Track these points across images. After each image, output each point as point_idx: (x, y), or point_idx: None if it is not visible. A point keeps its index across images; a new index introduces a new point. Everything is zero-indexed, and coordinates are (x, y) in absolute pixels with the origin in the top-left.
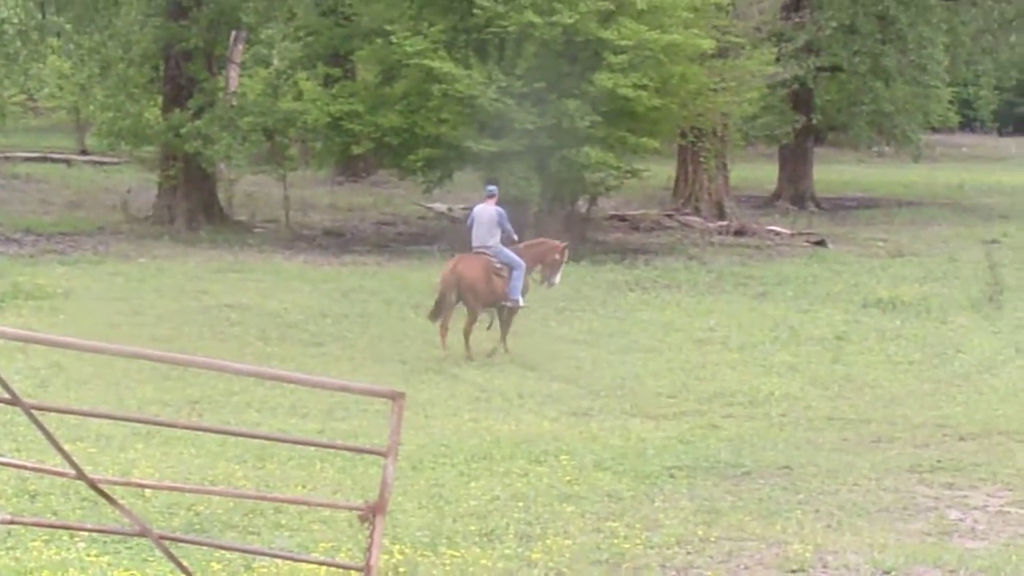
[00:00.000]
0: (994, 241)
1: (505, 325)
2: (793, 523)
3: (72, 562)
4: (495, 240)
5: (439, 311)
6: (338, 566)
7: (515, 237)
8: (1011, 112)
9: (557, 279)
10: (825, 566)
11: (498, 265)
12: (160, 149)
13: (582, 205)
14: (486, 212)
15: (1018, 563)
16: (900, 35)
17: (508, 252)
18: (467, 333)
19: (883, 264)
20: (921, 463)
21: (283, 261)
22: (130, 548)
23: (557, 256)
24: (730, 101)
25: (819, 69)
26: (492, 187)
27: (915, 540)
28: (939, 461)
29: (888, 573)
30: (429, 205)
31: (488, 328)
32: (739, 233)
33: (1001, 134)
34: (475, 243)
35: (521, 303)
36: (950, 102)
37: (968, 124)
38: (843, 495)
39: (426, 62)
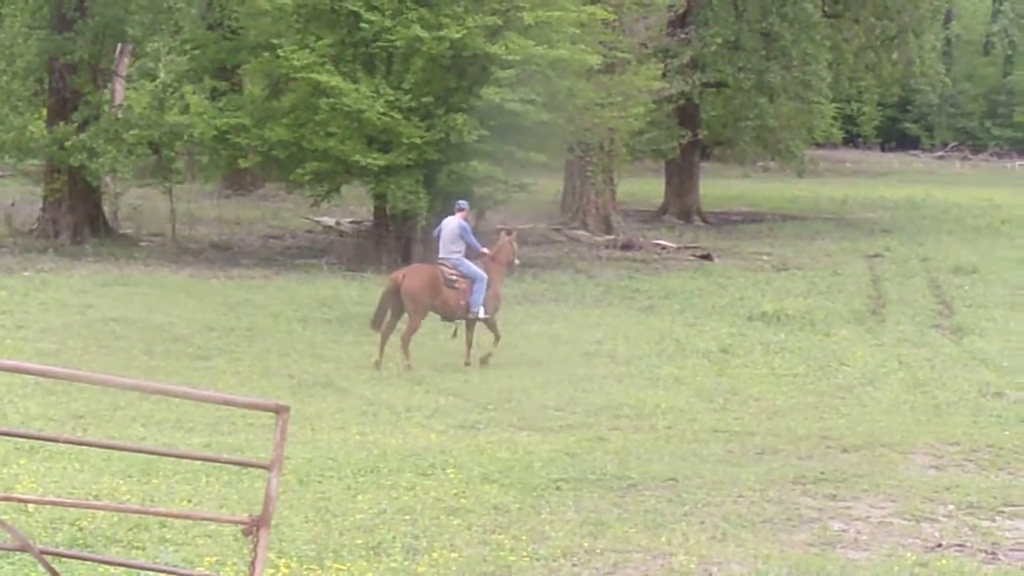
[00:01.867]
0: (877, 255)
1: (469, 334)
2: (678, 535)
3: None
4: (458, 252)
5: (378, 318)
6: None
7: (483, 249)
8: (893, 128)
9: (516, 262)
10: None
11: (452, 276)
12: (45, 162)
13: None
14: (450, 225)
15: (900, 573)
16: (784, 52)
17: (469, 264)
18: (405, 341)
19: (768, 278)
20: (805, 475)
21: (169, 275)
22: (12, 564)
23: (513, 246)
24: (617, 116)
25: (705, 85)
26: (462, 202)
27: (799, 551)
28: (822, 473)
29: None
30: (317, 219)
31: (453, 337)
32: (626, 247)
33: (884, 149)
34: (439, 254)
35: (481, 315)
36: (834, 118)
37: (851, 140)
38: (728, 507)
39: (313, 76)
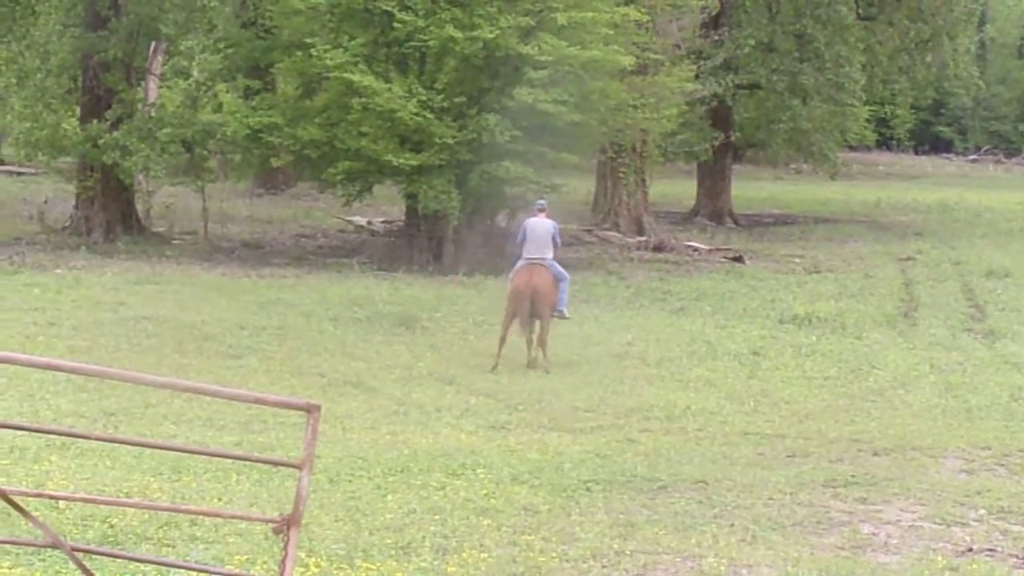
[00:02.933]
0: (909, 258)
1: (544, 334)
2: (708, 537)
3: None
4: (550, 253)
5: (512, 322)
6: None
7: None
8: (927, 131)
9: None
10: None
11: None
12: (78, 160)
13: (502, 219)
14: (542, 226)
15: None
16: (817, 54)
17: (558, 265)
18: (543, 343)
19: (799, 280)
20: (835, 478)
21: (201, 273)
22: (43, 560)
23: None
24: (649, 118)
25: (737, 87)
26: (542, 202)
27: (829, 554)
28: (853, 476)
29: None
30: (348, 218)
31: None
32: (657, 249)
33: (917, 153)
34: (529, 255)
35: (567, 314)
36: (867, 120)
37: (885, 142)
38: (758, 509)
39: (346, 75)
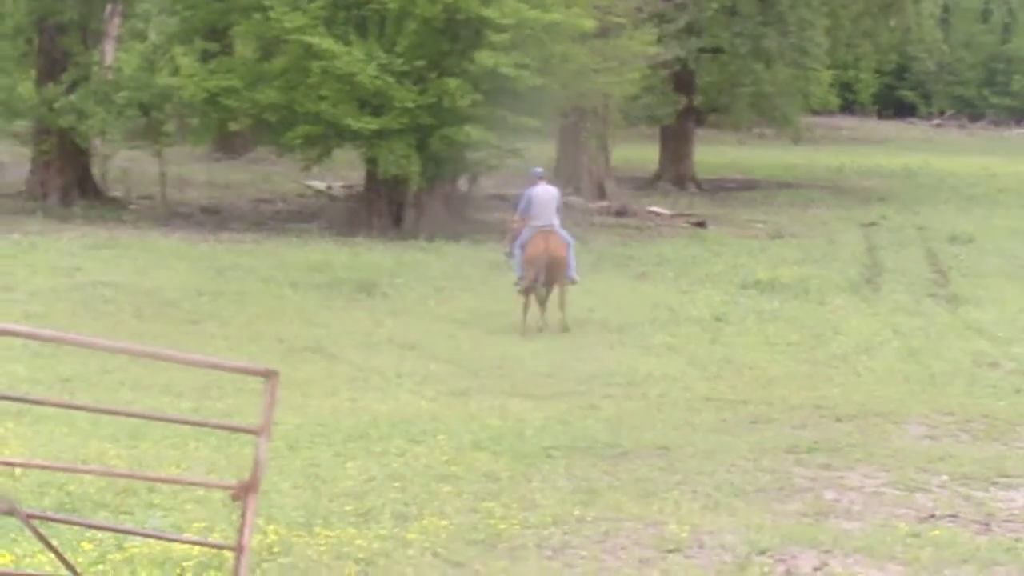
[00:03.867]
0: (873, 224)
1: (564, 295)
2: (670, 503)
3: None
4: (558, 220)
5: (532, 287)
6: (211, 546)
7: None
8: (890, 95)
9: None
10: (701, 546)
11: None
12: (33, 123)
13: (463, 184)
14: (548, 193)
15: (893, 544)
16: (781, 17)
17: (564, 232)
18: (563, 305)
19: (762, 246)
20: (798, 444)
21: (159, 238)
22: None
23: None
24: (611, 82)
25: (700, 50)
26: (540, 170)
27: (791, 520)
28: (816, 442)
29: (764, 553)
30: (308, 183)
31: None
32: (620, 214)
33: (881, 117)
34: (539, 222)
35: (576, 279)
36: (830, 85)
37: (848, 107)
38: (720, 475)
39: (305, 38)
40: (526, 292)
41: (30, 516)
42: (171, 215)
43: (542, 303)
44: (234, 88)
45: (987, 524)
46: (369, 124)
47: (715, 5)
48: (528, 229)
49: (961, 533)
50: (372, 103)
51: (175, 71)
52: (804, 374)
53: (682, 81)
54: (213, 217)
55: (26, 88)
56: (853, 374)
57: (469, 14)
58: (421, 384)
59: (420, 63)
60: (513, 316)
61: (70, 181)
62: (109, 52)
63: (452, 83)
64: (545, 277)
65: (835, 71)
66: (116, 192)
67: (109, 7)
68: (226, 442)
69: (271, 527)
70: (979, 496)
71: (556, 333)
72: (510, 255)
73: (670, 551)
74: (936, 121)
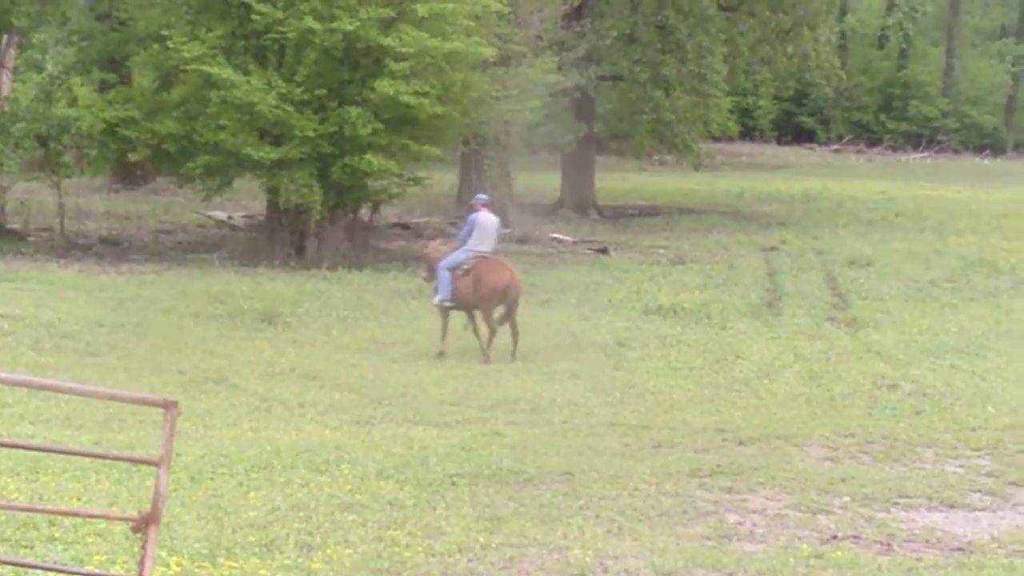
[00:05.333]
0: (773, 248)
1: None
2: (574, 528)
3: None
4: (497, 247)
5: (498, 316)
6: None
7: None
8: (789, 121)
9: None
10: (606, 571)
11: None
12: None
13: (365, 213)
14: (491, 220)
15: (795, 565)
16: (680, 45)
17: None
18: (494, 332)
19: (664, 271)
20: (701, 467)
21: (58, 270)
22: None
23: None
24: (512, 109)
25: (600, 78)
26: (484, 196)
27: (695, 544)
28: (719, 465)
29: None
30: (208, 213)
31: (464, 328)
32: (522, 241)
33: (780, 143)
34: (481, 248)
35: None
36: (730, 111)
37: (748, 133)
38: (624, 500)
39: (204, 68)
40: (491, 320)
41: None
42: (70, 247)
43: (515, 330)
44: (133, 118)
45: (888, 544)
46: (269, 154)
47: (614, 33)
48: (463, 252)
49: (863, 554)
50: (272, 132)
51: (73, 102)
52: (706, 398)
53: (582, 109)
54: (113, 248)
55: None
56: (755, 398)
57: (369, 43)
58: (324, 413)
59: (320, 92)
60: (416, 344)
61: None
62: (5, 83)
63: (353, 112)
64: (508, 305)
65: (734, 98)
66: (14, 224)
67: (5, 38)
68: (127, 474)
69: (174, 559)
70: (880, 517)
71: (512, 359)
72: (428, 279)
73: None
74: (835, 147)
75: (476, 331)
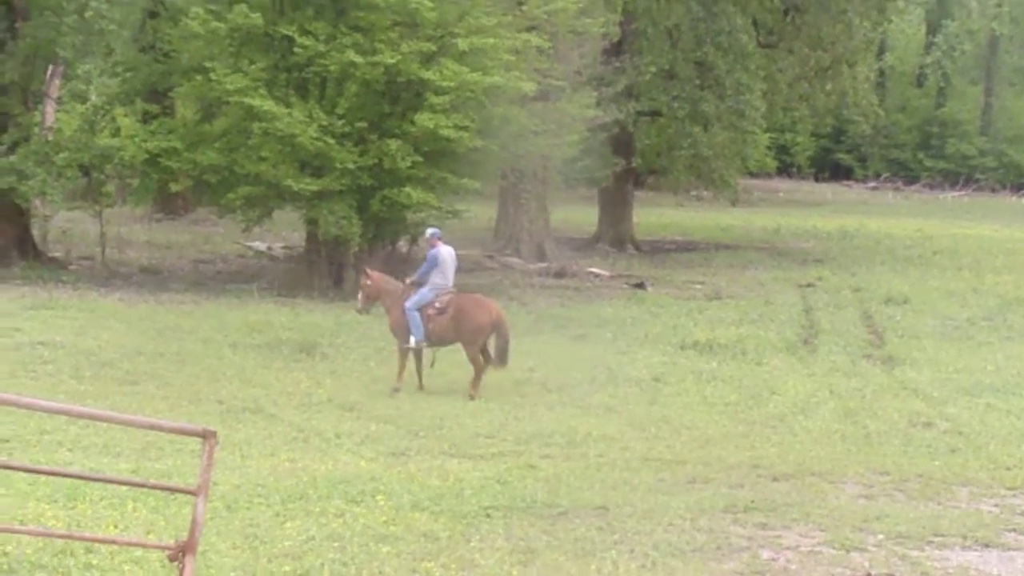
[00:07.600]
0: (809, 285)
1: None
2: (608, 563)
3: None
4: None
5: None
6: None
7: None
8: (827, 158)
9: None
10: None
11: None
12: None
13: (403, 245)
14: (451, 254)
15: None
16: (718, 81)
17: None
18: (481, 373)
19: (700, 306)
20: (735, 503)
21: (98, 298)
22: None
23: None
24: (551, 144)
25: (639, 113)
26: (437, 230)
27: None
28: (753, 501)
29: None
30: (248, 244)
31: (431, 366)
32: (559, 275)
33: (817, 180)
34: (444, 282)
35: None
36: (767, 148)
37: (785, 169)
38: (658, 535)
39: (246, 100)
40: (477, 359)
41: None
42: (111, 275)
43: (503, 362)
44: (175, 149)
45: None
46: (310, 185)
47: (653, 69)
48: (429, 291)
49: None
50: (313, 164)
51: (116, 132)
52: (741, 434)
53: (621, 143)
54: (153, 278)
55: None
56: (790, 434)
57: (410, 76)
58: (360, 444)
59: (361, 125)
60: (451, 376)
61: (10, 242)
62: (50, 113)
63: (393, 144)
64: (499, 343)
65: (772, 134)
66: (56, 253)
67: (50, 68)
68: (165, 503)
69: None
70: (914, 555)
71: (496, 393)
72: (361, 311)
73: None
74: (872, 184)
75: (432, 364)
